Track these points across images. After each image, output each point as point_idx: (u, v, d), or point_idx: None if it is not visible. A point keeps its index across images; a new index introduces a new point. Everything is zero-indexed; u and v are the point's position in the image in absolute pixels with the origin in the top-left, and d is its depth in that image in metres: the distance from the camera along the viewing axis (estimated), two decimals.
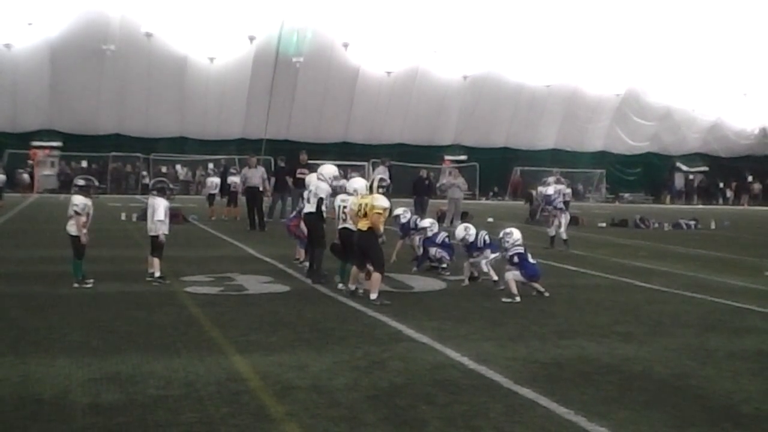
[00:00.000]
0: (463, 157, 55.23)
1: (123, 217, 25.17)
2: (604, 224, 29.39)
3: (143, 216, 24.80)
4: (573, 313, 10.41)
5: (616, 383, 6.95)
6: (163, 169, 50.85)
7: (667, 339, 8.90)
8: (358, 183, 12.18)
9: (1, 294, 10.84)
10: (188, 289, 11.41)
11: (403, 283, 12.56)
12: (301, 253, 14.14)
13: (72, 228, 11.35)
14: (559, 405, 6.21)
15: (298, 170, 24.35)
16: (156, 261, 11.96)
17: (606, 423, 5.87)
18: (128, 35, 45.99)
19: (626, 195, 58.68)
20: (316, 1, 47.51)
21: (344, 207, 11.75)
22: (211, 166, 47.12)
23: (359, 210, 10.93)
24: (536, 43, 52.16)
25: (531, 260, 11.60)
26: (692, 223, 30.13)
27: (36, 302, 10.20)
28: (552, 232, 19.22)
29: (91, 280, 11.50)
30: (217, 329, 8.75)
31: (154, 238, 11.94)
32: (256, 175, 23.85)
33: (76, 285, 11.29)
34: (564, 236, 19.07)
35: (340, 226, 11.89)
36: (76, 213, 11.25)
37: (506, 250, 11.67)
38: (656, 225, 29.66)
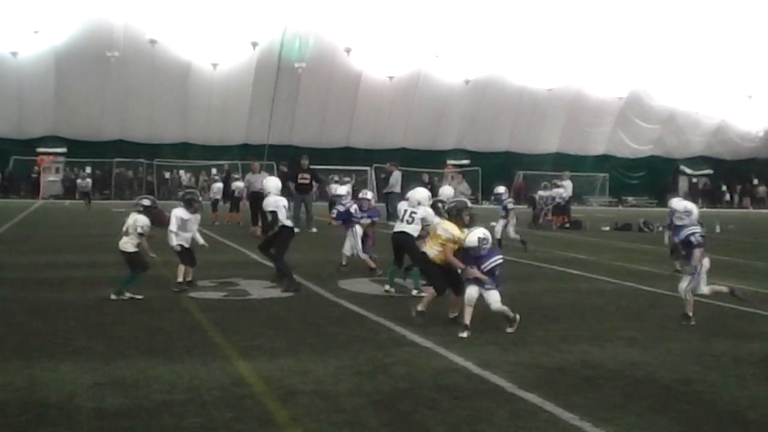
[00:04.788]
0: (465, 162, 55.23)
1: None
2: (607, 228, 29.35)
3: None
4: (576, 318, 10.39)
5: (621, 388, 6.94)
6: (167, 175, 51.02)
7: (672, 343, 8.87)
8: (419, 194, 12.23)
9: (7, 299, 10.86)
10: (192, 294, 11.42)
11: (405, 287, 12.55)
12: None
13: (128, 245, 11.01)
14: (563, 410, 6.20)
15: (300, 175, 24.39)
16: (181, 268, 11.89)
17: (611, 428, 5.86)
18: (132, 42, 46.11)
19: (630, 199, 58.60)
20: (318, 6, 47.57)
21: (412, 212, 11.87)
22: (214, 171, 47.35)
23: (431, 230, 10.22)
24: (538, 46, 52.14)
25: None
26: None
27: (41, 307, 10.22)
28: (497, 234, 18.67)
29: (128, 295, 10.97)
30: (220, 334, 8.76)
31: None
32: (260, 180, 23.82)
33: (125, 297, 10.88)
34: (512, 235, 19.18)
35: (396, 229, 12.09)
36: (140, 235, 10.94)
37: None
38: (660, 229, 29.52)
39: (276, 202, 12.29)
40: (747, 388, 7.08)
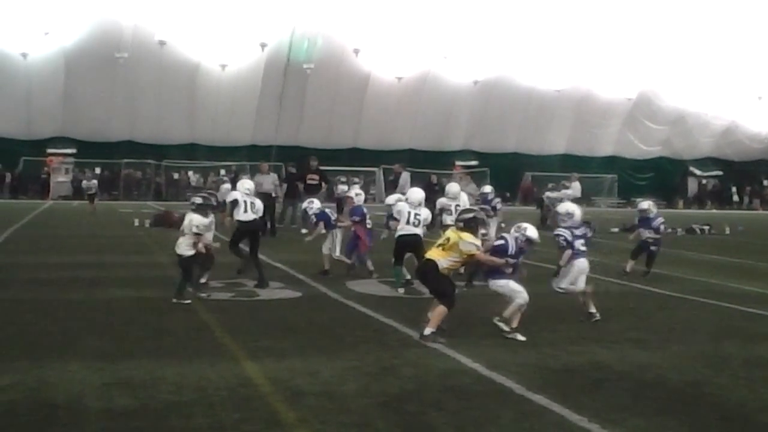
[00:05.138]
0: (473, 163, 55.17)
1: (136, 223, 25.23)
2: (616, 229, 29.26)
3: (156, 223, 25.04)
4: (584, 320, 10.36)
5: (629, 390, 6.92)
6: (175, 176, 51.13)
7: (680, 346, 8.85)
8: (418, 194, 12.73)
9: (16, 299, 10.90)
10: (200, 295, 11.43)
11: (413, 288, 12.55)
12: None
13: (183, 247, 10.76)
14: (571, 412, 6.19)
15: (309, 176, 24.41)
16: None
17: (619, 430, 5.85)
18: (141, 43, 46.21)
19: (638, 200, 58.35)
20: (327, 7, 47.60)
21: (416, 214, 12.31)
22: (222, 172, 47.39)
23: (441, 241, 9.33)
24: (547, 47, 52.03)
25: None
26: (705, 228, 29.98)
27: (49, 308, 10.25)
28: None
29: (189, 301, 10.71)
30: (228, 335, 8.77)
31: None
32: (268, 181, 23.92)
33: (174, 300, 10.59)
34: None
35: (406, 232, 12.27)
36: (196, 234, 10.74)
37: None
38: (669, 230, 29.44)
39: (233, 195, 13.37)
40: (756, 391, 7.05)
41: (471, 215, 9.37)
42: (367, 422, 5.85)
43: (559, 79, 54.88)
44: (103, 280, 12.87)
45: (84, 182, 37.11)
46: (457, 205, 15.09)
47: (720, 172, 63.91)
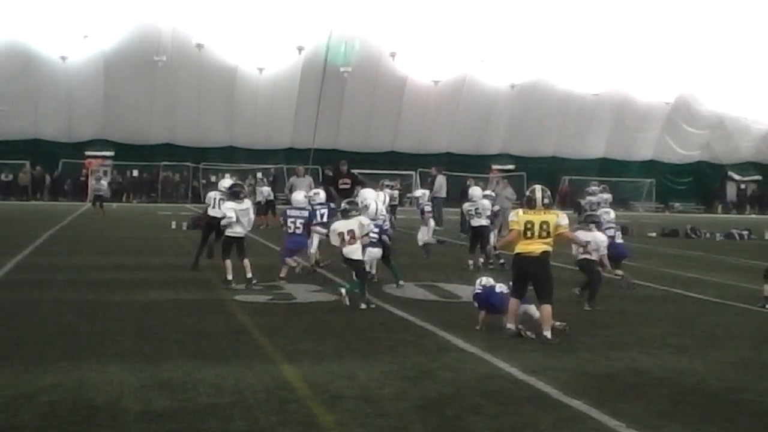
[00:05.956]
0: (510, 167, 54.89)
1: (173, 225, 25.43)
2: (654, 234, 29.04)
3: (193, 225, 25.22)
4: (623, 325, 10.29)
5: (669, 396, 6.85)
6: (213, 179, 51.46)
7: (720, 352, 8.75)
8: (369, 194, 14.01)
9: (57, 300, 11.04)
10: (237, 298, 11.51)
11: (450, 292, 12.53)
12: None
13: (359, 254, 11.05)
14: (610, 417, 6.15)
15: (340, 180, 24.44)
16: (246, 262, 12.81)
17: None
18: (179, 47, 46.60)
19: (677, 204, 57.87)
20: (364, 11, 47.68)
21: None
22: (260, 175, 47.64)
23: (531, 228, 9.17)
24: (585, 51, 51.71)
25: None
26: (745, 233, 29.62)
27: (89, 309, 10.35)
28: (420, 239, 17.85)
29: (373, 305, 10.95)
30: (266, 337, 8.81)
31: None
32: (304, 184, 23.99)
33: (363, 306, 10.77)
34: (420, 243, 17.83)
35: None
36: (366, 235, 11.12)
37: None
38: (708, 235, 29.22)
39: (214, 195, 15.19)
40: None
41: (548, 193, 9.69)
42: (404, 426, 5.85)
43: (597, 83, 54.48)
44: (141, 281, 13.00)
45: (93, 183, 34.51)
46: (477, 209, 15.52)
47: (760, 177, 63.08)
